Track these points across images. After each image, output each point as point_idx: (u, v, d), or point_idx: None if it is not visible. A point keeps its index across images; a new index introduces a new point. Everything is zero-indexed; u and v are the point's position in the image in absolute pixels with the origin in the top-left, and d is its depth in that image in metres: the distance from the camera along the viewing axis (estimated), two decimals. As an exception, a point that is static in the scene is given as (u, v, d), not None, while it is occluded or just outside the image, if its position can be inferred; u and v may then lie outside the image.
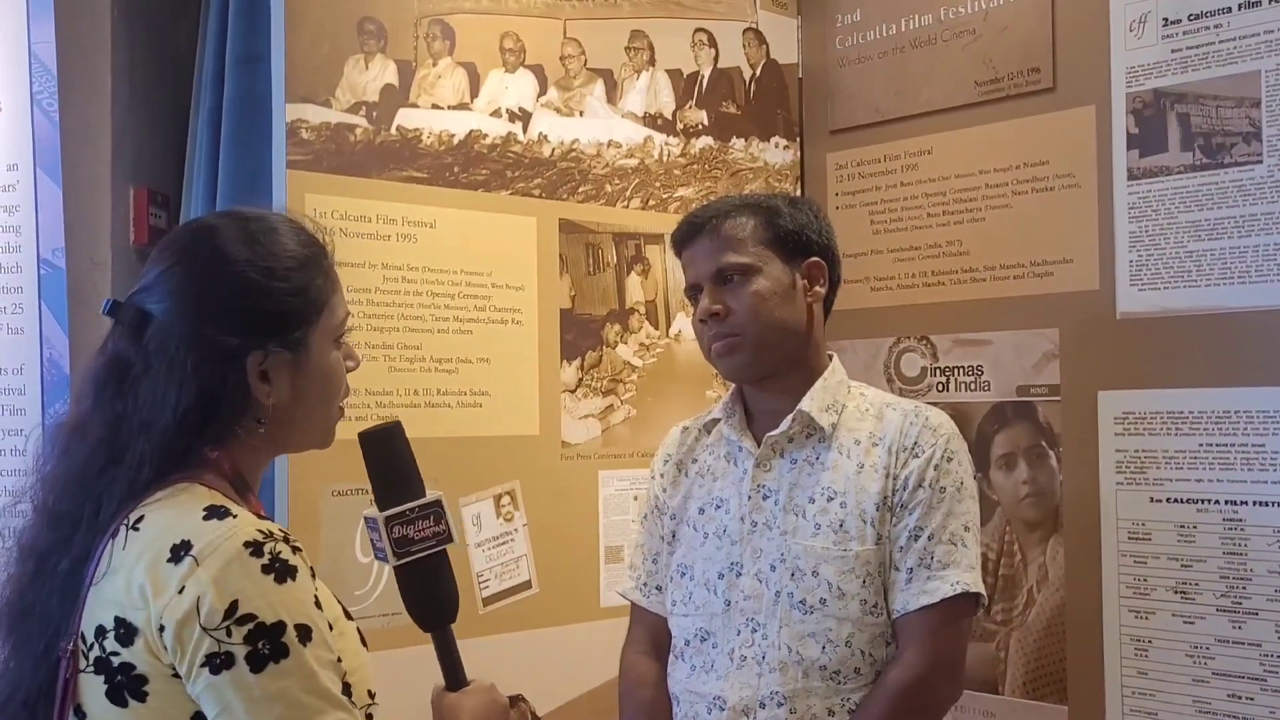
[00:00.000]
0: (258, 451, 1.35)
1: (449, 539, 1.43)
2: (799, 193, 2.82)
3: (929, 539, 1.76)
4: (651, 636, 1.98)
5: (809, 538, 1.79)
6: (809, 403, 1.85)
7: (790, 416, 1.85)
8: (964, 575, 1.76)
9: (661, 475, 2.02)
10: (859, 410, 1.88)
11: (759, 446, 1.87)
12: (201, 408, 1.26)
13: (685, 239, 1.92)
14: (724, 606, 1.84)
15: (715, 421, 1.97)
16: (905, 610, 1.76)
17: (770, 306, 1.83)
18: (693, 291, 1.91)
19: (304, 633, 1.18)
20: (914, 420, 1.84)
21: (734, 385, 1.97)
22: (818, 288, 1.89)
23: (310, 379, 1.34)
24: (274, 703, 1.15)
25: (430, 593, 1.45)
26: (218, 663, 1.15)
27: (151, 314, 1.29)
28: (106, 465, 1.26)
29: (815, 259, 1.89)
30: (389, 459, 1.47)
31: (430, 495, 1.43)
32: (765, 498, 1.85)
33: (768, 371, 1.87)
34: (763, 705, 1.77)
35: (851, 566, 1.77)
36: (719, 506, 1.90)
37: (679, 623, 1.91)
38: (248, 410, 1.30)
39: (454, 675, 1.45)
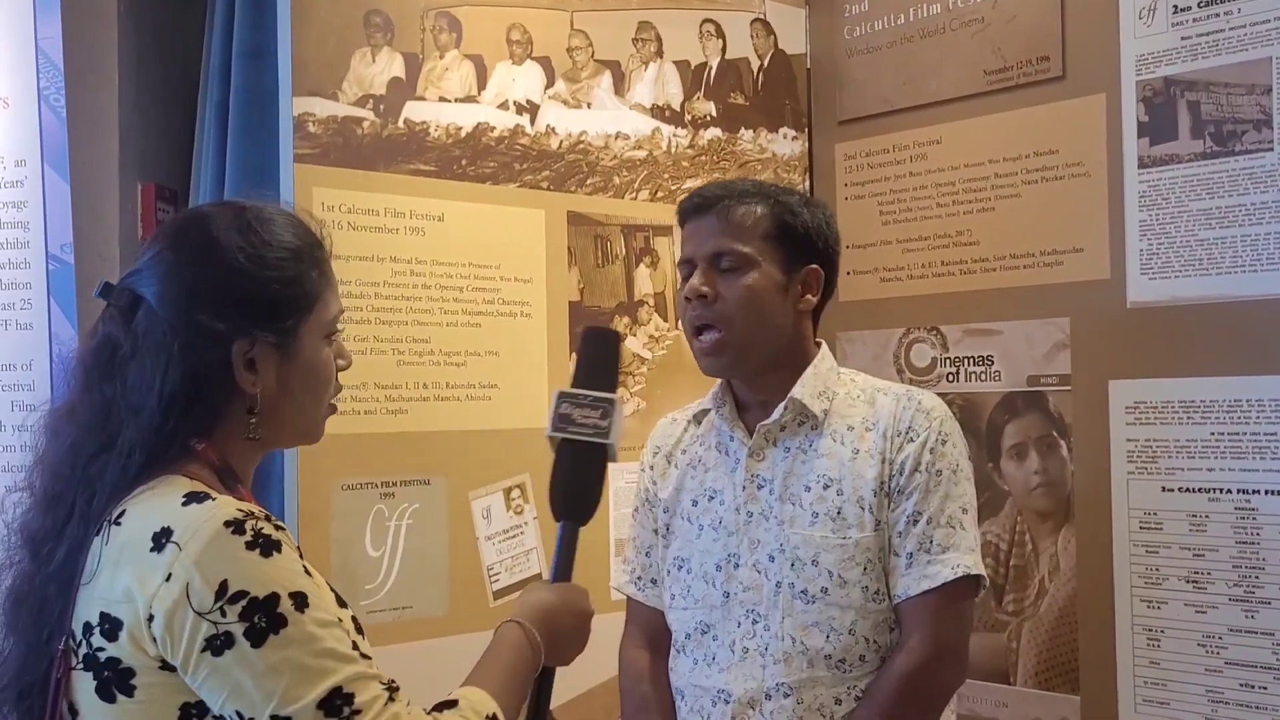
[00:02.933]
0: (245, 445, 1.34)
1: (605, 437, 1.49)
2: (808, 184, 2.82)
3: (927, 523, 1.75)
4: (648, 631, 1.96)
5: (807, 526, 1.78)
6: (800, 390, 1.82)
7: (782, 404, 1.82)
8: (964, 558, 1.74)
9: (651, 468, 1.99)
10: (850, 396, 1.86)
11: (751, 436, 1.85)
12: (187, 393, 1.25)
13: (692, 212, 1.87)
14: (723, 599, 1.83)
15: (705, 412, 1.95)
16: (907, 595, 1.74)
17: (759, 304, 1.79)
18: (685, 266, 1.86)
19: (299, 600, 1.17)
20: (907, 404, 1.81)
21: None
22: (809, 296, 1.85)
23: (297, 371, 1.33)
24: (281, 673, 1.15)
25: (568, 479, 1.51)
26: (219, 644, 1.14)
27: (142, 297, 1.29)
28: (99, 450, 1.26)
29: (814, 267, 1.85)
30: (595, 352, 1.58)
31: (609, 395, 1.50)
32: (760, 487, 1.83)
33: (748, 371, 1.85)
34: (769, 696, 1.76)
35: (852, 554, 1.75)
36: (712, 498, 1.88)
37: (678, 616, 1.90)
38: (233, 399, 1.30)
39: (560, 572, 1.51)
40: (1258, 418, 2.10)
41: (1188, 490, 2.18)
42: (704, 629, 1.85)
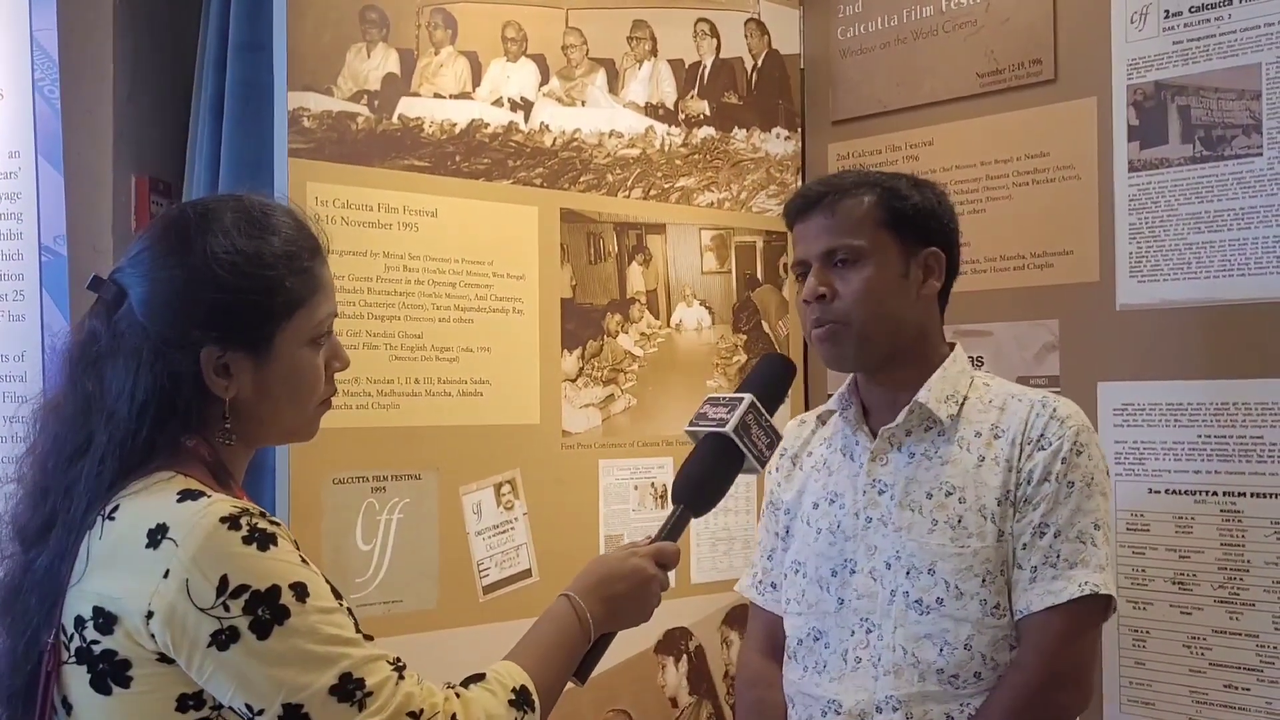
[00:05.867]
0: (232, 444, 1.33)
1: (720, 427, 1.55)
2: (800, 184, 2.82)
3: (1055, 536, 1.66)
4: (767, 634, 1.92)
5: (925, 534, 1.71)
6: (926, 394, 1.75)
7: (907, 408, 1.75)
8: (1093, 575, 1.64)
9: (776, 469, 1.94)
10: (981, 401, 1.77)
11: (874, 439, 1.79)
12: (160, 399, 1.25)
13: (799, 212, 1.80)
14: (837, 605, 1.77)
15: (830, 413, 1.89)
16: (1028, 611, 1.66)
17: (879, 296, 1.72)
18: (799, 268, 1.79)
19: (299, 590, 1.18)
20: (1040, 411, 1.72)
21: (850, 376, 1.87)
22: (932, 280, 1.77)
23: (275, 376, 1.32)
24: (288, 663, 1.16)
25: (686, 466, 1.58)
26: (224, 639, 1.15)
27: (127, 293, 1.29)
28: (77, 451, 1.26)
29: (934, 249, 1.77)
30: (759, 368, 1.71)
31: (744, 396, 1.58)
32: (881, 493, 1.76)
33: (872, 364, 1.78)
34: (879, 710, 1.70)
35: (970, 564, 1.67)
36: (833, 501, 1.83)
37: (792, 621, 1.85)
38: (213, 401, 1.29)
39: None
40: (1244, 420, 2.12)
41: (1174, 492, 2.20)
42: (816, 635, 1.80)
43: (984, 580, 1.68)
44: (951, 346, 1.83)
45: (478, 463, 2.32)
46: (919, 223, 1.76)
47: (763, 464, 1.58)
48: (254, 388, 1.31)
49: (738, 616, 2.64)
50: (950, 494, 1.71)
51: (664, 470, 2.59)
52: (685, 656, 2.62)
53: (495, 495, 2.34)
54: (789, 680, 1.85)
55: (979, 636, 1.67)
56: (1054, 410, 1.73)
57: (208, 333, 1.27)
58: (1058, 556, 1.66)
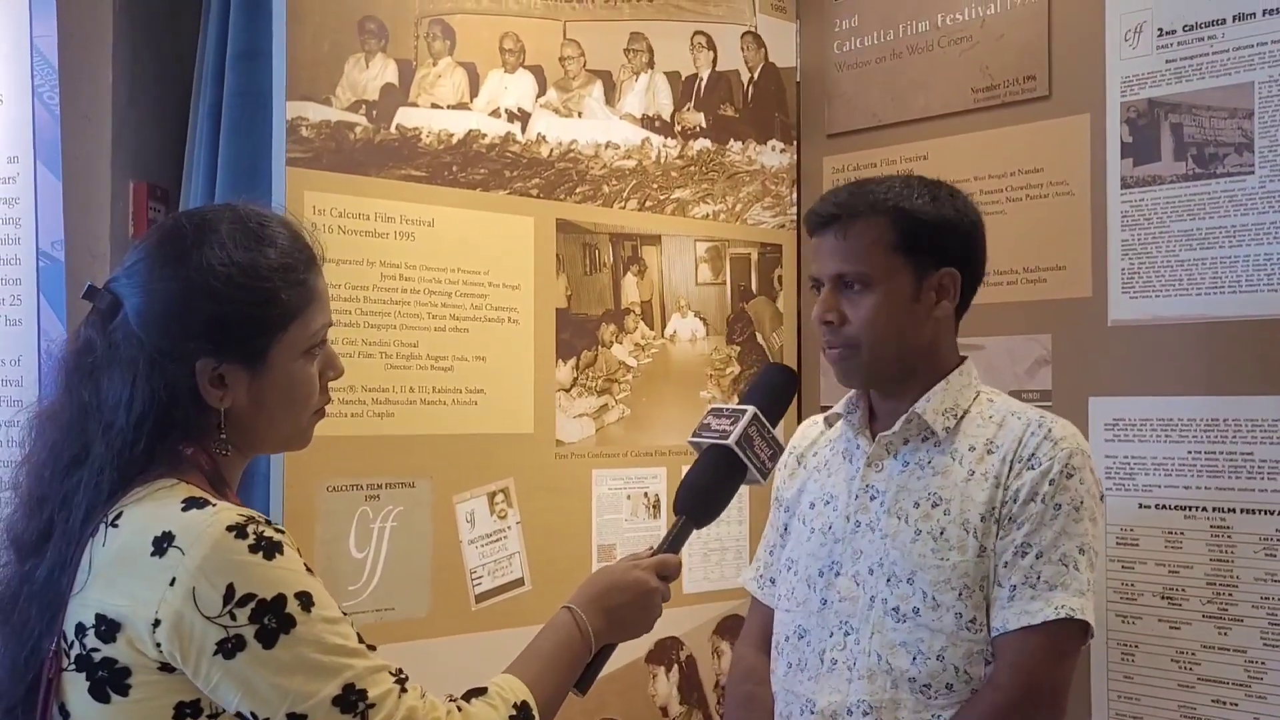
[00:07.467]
0: (228, 454, 1.34)
1: (723, 439, 1.56)
2: (795, 196, 2.84)
3: (1036, 557, 1.67)
4: (762, 629, 1.95)
5: (908, 543, 1.72)
6: (924, 404, 1.77)
7: (904, 417, 1.77)
8: (1070, 600, 1.65)
9: (782, 467, 1.96)
10: (982, 416, 1.78)
11: (873, 444, 1.82)
12: (157, 409, 1.26)
13: (816, 228, 1.80)
14: (820, 605, 1.79)
15: (838, 416, 1.91)
16: (1004, 629, 1.67)
17: (886, 320, 1.73)
18: (815, 283, 1.81)
19: (305, 599, 1.19)
20: (1035, 430, 1.73)
21: None
22: (945, 301, 1.78)
23: (269, 387, 1.33)
24: (294, 672, 1.17)
25: (688, 477, 1.59)
26: (230, 647, 1.16)
27: (122, 302, 1.30)
28: (74, 460, 1.27)
29: (949, 270, 1.77)
30: (761, 378, 1.75)
31: (747, 408, 1.59)
32: (872, 498, 1.79)
33: (882, 379, 1.81)
34: (850, 712, 1.72)
35: (948, 577, 1.69)
36: (828, 503, 1.85)
37: (781, 618, 1.88)
38: (208, 410, 1.30)
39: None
40: (1234, 437, 2.13)
41: (1164, 507, 2.21)
42: (800, 634, 1.82)
43: (960, 594, 1.69)
44: (964, 359, 1.85)
45: (471, 471, 2.32)
46: (935, 242, 1.76)
47: (765, 476, 1.60)
48: (249, 398, 1.32)
49: (729, 626, 2.65)
50: (937, 505, 1.73)
51: (657, 480, 2.60)
52: (676, 666, 2.63)
53: (489, 504, 2.35)
54: (775, 675, 1.88)
55: (953, 649, 1.68)
56: (1049, 431, 1.73)
57: (203, 344, 1.28)
58: (1038, 578, 1.67)
